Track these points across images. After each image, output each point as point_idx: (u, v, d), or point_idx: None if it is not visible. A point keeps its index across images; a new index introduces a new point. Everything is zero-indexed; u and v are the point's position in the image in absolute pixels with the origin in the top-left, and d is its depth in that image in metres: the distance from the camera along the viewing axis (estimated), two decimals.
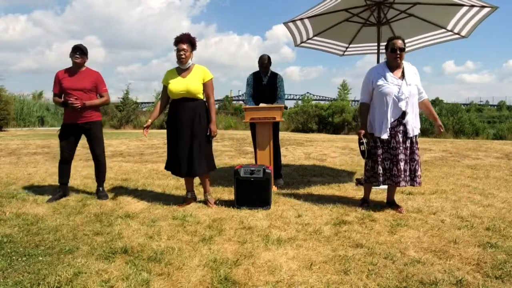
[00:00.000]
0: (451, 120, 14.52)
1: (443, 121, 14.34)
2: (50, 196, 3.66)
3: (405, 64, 3.22)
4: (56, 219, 3.04)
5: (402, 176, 3.13)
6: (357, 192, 4.02)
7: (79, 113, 3.56)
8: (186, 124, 3.32)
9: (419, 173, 3.20)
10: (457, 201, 3.63)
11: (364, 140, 3.17)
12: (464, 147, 8.60)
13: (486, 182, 4.54)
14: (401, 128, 3.14)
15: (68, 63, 3.62)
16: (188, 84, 3.29)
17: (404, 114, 3.12)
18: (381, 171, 3.18)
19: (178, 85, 3.31)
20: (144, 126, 3.40)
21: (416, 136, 3.19)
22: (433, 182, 4.56)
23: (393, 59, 3.15)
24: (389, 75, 3.15)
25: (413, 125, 3.15)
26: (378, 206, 3.42)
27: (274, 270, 2.14)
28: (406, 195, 3.84)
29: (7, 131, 14.62)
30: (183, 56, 3.29)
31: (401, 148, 3.13)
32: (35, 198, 3.68)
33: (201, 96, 3.38)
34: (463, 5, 4.27)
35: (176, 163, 3.39)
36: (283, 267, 2.17)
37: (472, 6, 4.24)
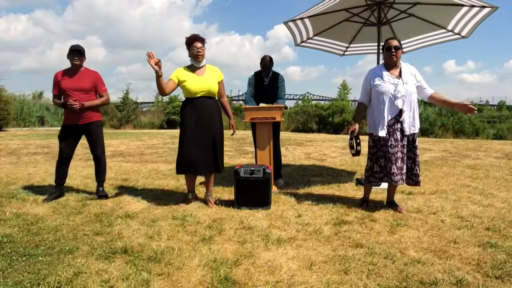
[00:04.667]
0: (451, 120, 14.52)
1: (443, 121, 14.45)
2: (47, 196, 3.66)
3: (403, 64, 3.26)
4: (56, 219, 3.04)
5: (400, 175, 3.17)
6: (357, 192, 4.02)
7: (79, 114, 3.57)
8: (207, 121, 3.37)
9: (416, 172, 3.22)
10: (457, 201, 3.63)
11: (350, 136, 3.24)
12: (464, 147, 8.60)
13: (486, 182, 4.54)
14: (398, 126, 3.17)
15: (68, 64, 3.63)
16: (210, 83, 3.37)
17: (401, 112, 3.15)
18: (378, 169, 3.24)
19: (198, 84, 3.34)
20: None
21: (414, 134, 3.21)
22: (433, 182, 4.56)
23: (389, 57, 3.19)
24: (385, 74, 3.20)
25: (410, 123, 3.18)
26: (378, 206, 3.42)
27: (274, 270, 2.14)
28: (406, 195, 3.84)
29: (7, 131, 14.62)
30: (201, 53, 3.35)
31: (399, 146, 3.16)
32: (35, 198, 3.67)
33: (216, 95, 3.49)
34: (463, 5, 4.27)
35: (196, 160, 3.34)
36: (283, 267, 2.17)
37: (472, 6, 4.24)
